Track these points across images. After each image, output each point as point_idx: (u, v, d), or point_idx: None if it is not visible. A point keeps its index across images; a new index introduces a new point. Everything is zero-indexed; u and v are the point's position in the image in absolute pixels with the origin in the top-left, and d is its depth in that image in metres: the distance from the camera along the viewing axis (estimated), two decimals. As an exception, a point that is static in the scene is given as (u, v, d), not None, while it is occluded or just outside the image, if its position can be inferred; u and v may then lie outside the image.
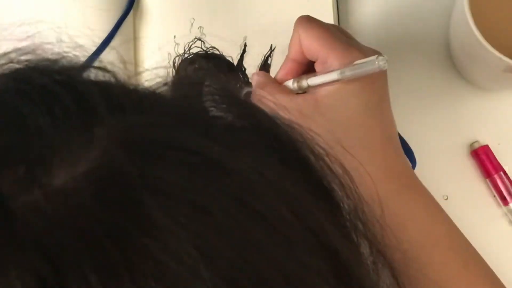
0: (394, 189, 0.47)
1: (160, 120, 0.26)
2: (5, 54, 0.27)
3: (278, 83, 0.50)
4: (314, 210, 0.28)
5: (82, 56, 0.54)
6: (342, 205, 0.31)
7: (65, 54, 0.28)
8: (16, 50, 0.28)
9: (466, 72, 0.57)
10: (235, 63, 0.57)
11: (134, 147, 0.24)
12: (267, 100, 0.49)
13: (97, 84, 0.27)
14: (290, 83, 0.50)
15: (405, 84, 0.57)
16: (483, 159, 0.55)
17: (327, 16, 0.57)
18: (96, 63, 0.28)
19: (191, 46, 0.57)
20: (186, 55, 0.57)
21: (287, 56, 0.51)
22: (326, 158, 0.32)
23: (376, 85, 0.47)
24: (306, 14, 0.56)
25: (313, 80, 0.47)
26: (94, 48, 0.55)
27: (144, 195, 0.23)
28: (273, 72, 0.56)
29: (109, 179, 0.23)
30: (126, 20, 0.56)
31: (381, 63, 0.43)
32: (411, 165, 0.50)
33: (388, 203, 0.47)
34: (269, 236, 0.25)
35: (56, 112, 0.24)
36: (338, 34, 0.48)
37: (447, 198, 0.56)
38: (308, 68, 0.50)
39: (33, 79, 0.26)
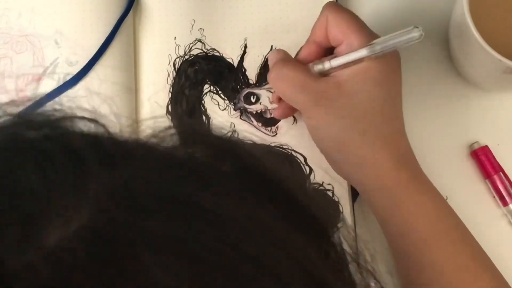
0: (404, 178, 0.48)
1: (151, 173, 0.26)
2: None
3: (300, 63, 0.51)
4: (307, 250, 0.28)
5: (84, 59, 0.54)
6: (331, 233, 0.32)
7: (58, 107, 0.28)
8: (10, 102, 0.28)
9: (466, 72, 0.57)
10: (236, 64, 0.57)
11: (127, 202, 0.24)
12: (287, 79, 0.49)
13: (88, 138, 0.27)
14: (310, 66, 0.50)
15: (405, 84, 0.57)
16: (483, 159, 0.55)
17: (327, 17, 0.57)
18: (88, 115, 0.28)
19: (191, 47, 0.57)
20: (186, 57, 0.57)
21: (309, 39, 0.51)
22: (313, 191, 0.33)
23: (395, 78, 0.49)
24: (308, 17, 0.57)
25: (337, 61, 0.48)
26: (94, 49, 0.55)
27: (139, 250, 0.23)
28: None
29: (102, 235, 0.23)
30: (125, 21, 0.56)
31: (416, 33, 0.43)
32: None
33: (397, 192, 0.48)
34: (266, 281, 0.25)
35: (47, 171, 0.24)
36: (364, 24, 0.49)
37: (447, 198, 0.56)
38: (326, 54, 0.50)
39: (23, 135, 0.26)
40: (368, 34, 0.48)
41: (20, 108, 0.29)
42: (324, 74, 0.49)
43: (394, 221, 0.49)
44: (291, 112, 0.54)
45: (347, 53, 0.47)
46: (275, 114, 0.55)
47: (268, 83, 0.56)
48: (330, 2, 0.51)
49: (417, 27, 0.43)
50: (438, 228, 0.48)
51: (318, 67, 0.49)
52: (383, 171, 0.48)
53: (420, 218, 0.48)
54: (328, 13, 0.49)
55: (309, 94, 0.49)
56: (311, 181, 0.55)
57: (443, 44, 0.58)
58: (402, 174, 0.48)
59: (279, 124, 0.56)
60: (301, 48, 0.52)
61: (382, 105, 0.48)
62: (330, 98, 0.48)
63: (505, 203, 0.55)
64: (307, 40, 0.52)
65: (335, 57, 0.48)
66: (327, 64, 0.49)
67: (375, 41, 0.46)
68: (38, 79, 0.55)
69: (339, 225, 0.54)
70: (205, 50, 0.57)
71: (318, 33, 0.50)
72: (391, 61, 0.49)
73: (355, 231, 0.55)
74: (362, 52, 0.46)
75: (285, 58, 0.51)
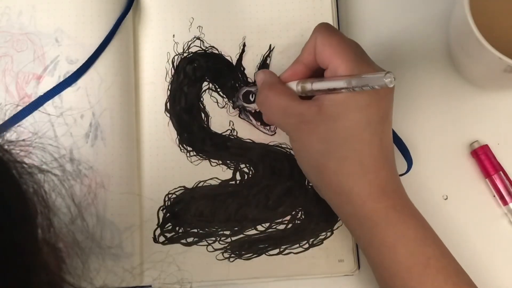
0: (383, 207, 0.47)
1: None
2: None
3: (283, 84, 0.51)
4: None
5: (84, 57, 0.54)
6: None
7: None
8: None
9: (466, 72, 0.57)
10: (234, 62, 0.57)
11: None
12: (271, 103, 0.49)
13: None
14: (294, 85, 0.50)
15: (405, 84, 0.57)
16: (483, 159, 0.55)
17: (327, 16, 0.57)
18: None
19: (190, 45, 0.57)
20: (185, 54, 0.57)
21: (297, 58, 0.51)
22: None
23: (382, 103, 0.47)
24: (307, 16, 0.57)
25: (318, 85, 0.47)
26: (94, 47, 0.55)
27: None
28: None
29: None
30: (125, 19, 0.56)
31: (387, 80, 0.43)
32: (403, 187, 0.49)
33: (376, 222, 0.47)
34: None
35: None
36: (354, 49, 0.48)
37: (447, 198, 0.56)
38: (314, 75, 0.50)
39: None
40: (353, 63, 0.46)
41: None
42: (308, 95, 0.49)
43: (374, 251, 0.48)
44: None
45: (329, 78, 0.47)
46: (264, 119, 0.55)
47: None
48: (321, 23, 0.50)
49: (390, 73, 0.43)
50: (419, 259, 0.46)
51: (300, 87, 0.49)
52: (360, 200, 0.47)
53: (400, 249, 0.47)
54: (317, 34, 0.49)
55: (292, 117, 0.48)
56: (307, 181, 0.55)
57: (443, 43, 0.58)
58: (381, 203, 0.47)
59: (278, 123, 0.56)
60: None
61: (364, 131, 0.47)
62: (312, 122, 0.47)
63: (505, 202, 0.55)
64: (295, 60, 0.51)
65: (318, 80, 0.48)
66: (309, 86, 0.48)
67: (352, 78, 0.45)
68: (39, 77, 0.56)
69: (338, 224, 0.55)
70: (203, 48, 0.57)
71: (306, 54, 0.50)
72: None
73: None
74: (340, 83, 0.46)
75: (270, 81, 0.51)
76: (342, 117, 0.46)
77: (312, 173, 0.50)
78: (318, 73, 0.50)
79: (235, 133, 0.56)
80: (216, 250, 0.55)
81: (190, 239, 0.55)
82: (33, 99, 0.55)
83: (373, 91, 0.45)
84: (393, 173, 0.49)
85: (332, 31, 0.49)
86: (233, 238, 0.55)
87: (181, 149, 0.56)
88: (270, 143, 0.56)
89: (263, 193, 0.55)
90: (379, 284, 0.49)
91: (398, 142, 0.55)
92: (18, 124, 0.53)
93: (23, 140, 0.36)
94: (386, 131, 0.48)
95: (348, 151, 0.47)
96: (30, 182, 0.34)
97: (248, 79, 0.57)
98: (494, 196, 0.55)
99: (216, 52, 0.57)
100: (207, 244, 0.55)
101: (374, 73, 0.44)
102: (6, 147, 0.34)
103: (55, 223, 0.35)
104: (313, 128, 0.47)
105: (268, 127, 0.56)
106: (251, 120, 0.56)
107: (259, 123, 0.56)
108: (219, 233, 0.55)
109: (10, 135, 0.36)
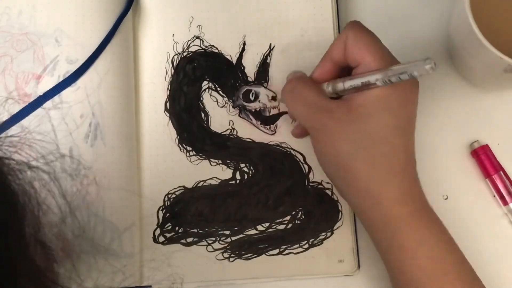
0: (407, 212, 0.47)
1: None
2: None
3: (315, 83, 0.50)
4: None
5: (84, 57, 0.54)
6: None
7: None
8: None
9: (466, 72, 0.57)
10: (234, 61, 0.57)
11: None
12: (299, 96, 0.49)
13: None
14: (324, 86, 0.49)
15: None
16: (483, 159, 0.55)
17: (327, 16, 0.57)
18: None
19: (190, 44, 0.57)
20: (185, 54, 0.57)
21: (325, 56, 0.50)
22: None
23: (410, 107, 0.47)
24: (307, 15, 0.57)
25: (351, 82, 0.47)
26: (94, 47, 0.55)
27: None
28: (271, 73, 0.57)
29: None
30: (125, 19, 0.56)
31: (427, 66, 0.42)
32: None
33: (400, 226, 0.47)
34: None
35: None
36: (385, 47, 0.48)
37: (447, 198, 0.56)
38: (341, 74, 0.49)
39: None
40: (386, 59, 0.47)
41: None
42: (338, 95, 0.48)
43: (394, 255, 0.48)
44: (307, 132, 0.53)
45: (362, 74, 0.46)
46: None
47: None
48: (353, 21, 0.49)
49: (429, 59, 0.42)
50: (439, 265, 0.47)
51: (331, 87, 0.48)
52: (387, 204, 0.47)
53: (421, 255, 0.47)
54: (349, 32, 0.48)
55: (320, 113, 0.48)
56: (310, 179, 0.55)
57: (443, 43, 0.58)
58: (406, 208, 0.47)
59: (278, 122, 0.56)
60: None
61: (393, 134, 0.46)
62: (340, 120, 0.47)
63: (505, 202, 0.55)
64: (322, 58, 0.50)
65: (349, 78, 0.47)
66: (340, 85, 0.48)
67: (390, 67, 0.45)
68: (38, 77, 0.56)
69: (338, 224, 0.54)
70: (203, 47, 0.57)
71: (336, 51, 0.49)
72: (407, 89, 0.47)
73: (355, 231, 0.55)
74: (375, 76, 0.45)
75: (301, 75, 0.51)
76: (372, 118, 0.46)
77: (336, 175, 0.49)
78: (344, 72, 0.49)
79: (235, 133, 0.56)
80: (216, 250, 0.54)
81: (190, 239, 0.55)
82: (32, 99, 0.55)
83: (403, 94, 0.45)
84: (416, 178, 0.48)
85: (364, 29, 0.49)
86: (233, 238, 0.55)
87: (180, 149, 0.56)
88: (270, 143, 0.56)
89: (263, 193, 0.55)
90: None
91: None
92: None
93: (11, 136, 0.36)
94: (412, 136, 0.48)
95: (377, 153, 0.46)
96: (19, 179, 0.33)
97: (248, 78, 0.57)
98: (494, 196, 0.55)
99: (216, 51, 0.57)
100: (207, 244, 0.55)
101: (412, 62, 0.44)
102: None
103: (45, 222, 0.34)
104: (341, 127, 0.47)
105: (268, 127, 0.56)
106: (251, 120, 0.56)
107: (259, 123, 0.56)
108: (219, 233, 0.55)
109: None
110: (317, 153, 0.50)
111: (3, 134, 0.35)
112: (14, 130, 0.37)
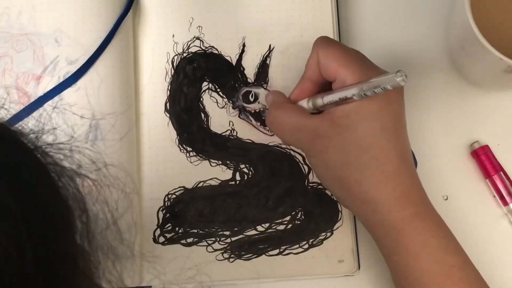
0: (407, 215, 0.47)
1: None
2: None
3: (292, 103, 0.51)
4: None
5: (84, 57, 0.54)
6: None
7: None
8: None
9: (466, 72, 0.57)
10: (234, 62, 0.57)
11: None
12: (281, 122, 0.49)
13: None
14: (305, 103, 0.50)
15: (405, 85, 0.57)
16: (483, 159, 0.55)
17: (327, 17, 0.57)
18: None
19: (189, 45, 0.57)
20: (185, 54, 0.57)
21: (303, 76, 0.51)
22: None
23: (393, 106, 0.47)
24: (307, 16, 0.57)
25: (328, 98, 0.47)
26: (94, 47, 0.55)
27: None
28: (271, 74, 0.57)
29: None
30: (125, 19, 0.56)
31: (399, 78, 0.42)
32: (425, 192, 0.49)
33: (401, 230, 0.47)
34: None
35: None
36: (357, 57, 0.48)
37: (447, 198, 0.56)
38: (322, 89, 0.50)
39: None
40: (360, 70, 0.46)
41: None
42: (319, 110, 0.49)
43: (398, 258, 0.48)
44: None
45: (339, 89, 0.47)
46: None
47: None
48: (320, 37, 0.50)
49: (400, 71, 0.43)
50: (442, 268, 0.47)
51: (311, 103, 0.49)
52: (385, 208, 0.47)
53: (424, 257, 0.46)
54: (318, 49, 0.48)
55: (304, 133, 0.48)
56: (309, 180, 0.55)
57: (443, 43, 0.58)
58: (406, 211, 0.47)
59: (278, 123, 0.56)
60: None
61: (379, 138, 0.46)
62: (325, 135, 0.47)
63: (505, 203, 0.55)
64: (301, 77, 0.51)
65: (327, 94, 0.48)
66: (320, 101, 0.48)
67: (362, 84, 0.45)
68: (38, 77, 0.56)
69: (338, 224, 0.54)
70: (203, 48, 0.57)
71: (311, 70, 0.49)
72: (388, 92, 0.46)
73: (355, 231, 0.55)
74: (351, 92, 0.45)
75: (278, 101, 0.51)
76: (355, 126, 0.46)
77: (334, 187, 0.49)
78: (325, 87, 0.49)
79: (235, 133, 0.56)
80: (216, 250, 0.55)
81: (190, 240, 0.55)
82: (32, 99, 0.55)
83: (383, 95, 0.45)
84: (415, 179, 0.48)
85: (332, 43, 0.49)
86: (233, 239, 0.55)
87: (181, 149, 0.56)
88: (270, 143, 0.56)
89: (263, 193, 0.55)
90: None
91: None
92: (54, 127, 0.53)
93: (61, 143, 0.35)
94: (402, 135, 0.48)
95: (367, 159, 0.46)
96: (69, 186, 0.33)
97: (248, 79, 0.57)
98: (494, 196, 0.55)
99: (216, 52, 0.57)
100: (207, 244, 0.55)
101: (385, 74, 0.44)
102: (44, 149, 0.33)
103: (91, 228, 0.34)
104: (328, 141, 0.47)
105: (267, 128, 0.56)
106: (251, 120, 0.56)
107: (259, 123, 0.56)
108: (219, 233, 0.55)
109: (47, 137, 0.35)
110: (312, 168, 0.51)
111: (51, 139, 0.35)
112: (62, 137, 0.37)
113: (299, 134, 0.49)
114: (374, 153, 0.46)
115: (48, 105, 0.54)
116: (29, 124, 0.38)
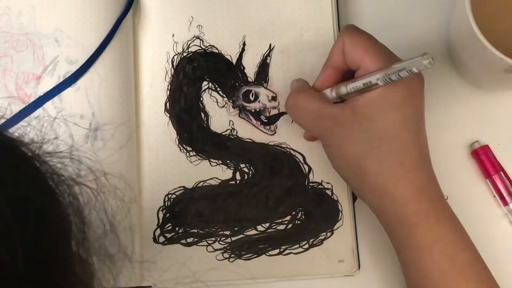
0: (423, 209, 0.47)
1: None
2: None
3: (316, 90, 0.50)
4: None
5: (84, 57, 0.54)
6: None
7: None
8: None
9: (466, 72, 0.57)
10: (234, 62, 0.57)
11: None
12: (302, 107, 0.49)
13: None
14: (328, 92, 0.49)
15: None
16: (483, 159, 0.55)
17: (327, 16, 0.57)
18: None
19: (189, 44, 0.57)
20: (184, 54, 0.57)
21: (326, 63, 0.50)
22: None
23: (415, 101, 0.47)
24: (307, 15, 0.57)
25: (352, 85, 0.47)
26: (94, 47, 0.55)
27: None
28: (271, 73, 0.57)
29: None
30: (125, 19, 0.56)
31: (425, 61, 0.42)
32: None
33: (415, 223, 0.47)
34: None
35: None
36: (382, 46, 0.48)
37: (447, 198, 0.55)
38: (344, 79, 0.50)
39: None
40: (385, 58, 0.46)
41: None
42: (343, 99, 0.49)
43: (410, 252, 0.48)
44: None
45: (363, 75, 0.46)
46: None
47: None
48: (347, 25, 0.50)
49: (426, 54, 0.42)
50: (454, 263, 0.47)
51: (334, 92, 0.49)
52: (402, 201, 0.47)
53: (437, 252, 0.47)
54: (344, 36, 0.48)
55: (324, 121, 0.48)
56: (310, 180, 0.55)
57: (443, 43, 0.58)
58: (422, 204, 0.47)
59: (278, 123, 0.56)
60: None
61: (400, 131, 0.46)
62: (346, 124, 0.47)
63: (505, 203, 0.55)
64: (324, 65, 0.51)
65: (351, 81, 0.47)
66: (343, 89, 0.48)
67: (389, 67, 0.44)
68: (38, 77, 0.56)
69: (338, 224, 0.54)
70: (203, 47, 0.57)
71: (335, 57, 0.49)
72: (411, 84, 0.47)
73: (355, 231, 0.55)
74: (376, 76, 0.45)
75: (301, 86, 0.51)
76: (377, 117, 0.46)
77: (351, 177, 0.49)
78: (346, 77, 0.49)
79: (235, 133, 0.56)
80: (216, 250, 0.54)
81: (190, 240, 0.55)
82: (32, 99, 0.55)
83: (407, 88, 0.45)
84: (432, 174, 0.48)
85: (359, 32, 0.49)
86: (233, 238, 0.55)
87: (180, 149, 0.56)
88: (270, 143, 0.56)
89: (263, 193, 0.55)
90: (408, 287, 0.49)
91: None
92: (55, 136, 0.53)
93: (61, 152, 0.36)
94: (421, 130, 0.48)
95: (387, 151, 0.46)
96: (66, 194, 0.33)
97: (248, 78, 0.57)
98: (495, 196, 0.55)
99: (216, 51, 0.57)
100: (207, 244, 0.55)
101: (411, 59, 0.43)
102: (43, 158, 0.33)
103: (88, 237, 0.34)
104: (348, 130, 0.47)
105: (268, 127, 0.56)
106: (251, 120, 0.56)
107: (259, 123, 0.56)
108: (219, 233, 0.55)
109: (47, 146, 0.35)
110: (329, 157, 0.50)
111: (51, 148, 0.35)
112: (62, 146, 0.37)
113: (319, 120, 0.49)
114: (394, 145, 0.46)
115: (49, 116, 0.54)
116: (30, 134, 0.38)
